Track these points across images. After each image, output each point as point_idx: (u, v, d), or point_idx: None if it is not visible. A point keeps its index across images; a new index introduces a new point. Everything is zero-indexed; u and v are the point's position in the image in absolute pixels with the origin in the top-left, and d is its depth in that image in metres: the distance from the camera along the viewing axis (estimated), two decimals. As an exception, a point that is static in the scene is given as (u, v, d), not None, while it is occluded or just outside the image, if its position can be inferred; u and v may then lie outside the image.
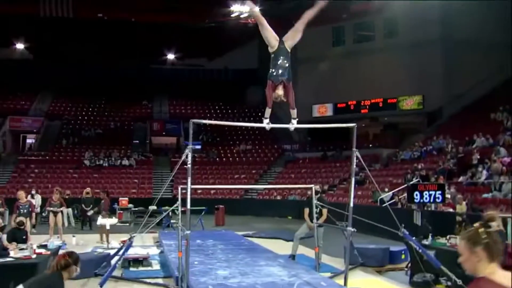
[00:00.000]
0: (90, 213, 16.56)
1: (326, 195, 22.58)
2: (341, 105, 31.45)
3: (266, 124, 6.37)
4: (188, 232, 6.71)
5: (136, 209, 18.78)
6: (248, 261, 9.41)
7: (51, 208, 13.29)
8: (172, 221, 15.53)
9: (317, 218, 9.51)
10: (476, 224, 2.43)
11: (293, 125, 6.38)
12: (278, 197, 26.10)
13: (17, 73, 34.77)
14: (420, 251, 7.32)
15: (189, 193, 6.71)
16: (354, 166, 7.47)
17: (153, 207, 16.02)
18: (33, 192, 18.65)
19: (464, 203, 13.35)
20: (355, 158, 7.31)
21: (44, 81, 35.63)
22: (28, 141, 34.60)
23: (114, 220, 13.61)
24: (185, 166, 6.76)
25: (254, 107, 35.95)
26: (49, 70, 35.67)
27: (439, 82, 27.54)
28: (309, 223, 9.93)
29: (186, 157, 6.66)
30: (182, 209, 7.57)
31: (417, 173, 19.30)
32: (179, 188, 8.46)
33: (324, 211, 9.86)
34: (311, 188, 9.81)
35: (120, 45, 34.85)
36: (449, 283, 7.44)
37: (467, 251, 2.35)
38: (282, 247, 11.92)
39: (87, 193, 17.71)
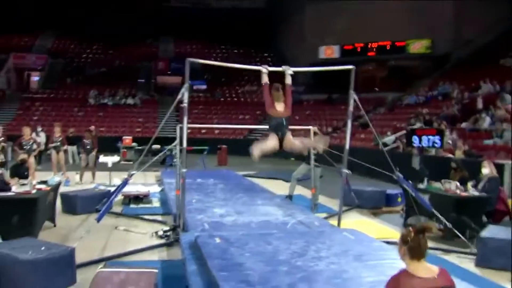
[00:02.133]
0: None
1: (329, 137, 22.74)
2: (348, 47, 30.97)
3: (263, 69, 6.30)
4: (185, 170, 6.78)
5: (140, 147, 18.93)
6: (245, 200, 9.57)
7: (53, 145, 13.46)
8: (174, 160, 15.69)
9: (315, 160, 9.57)
10: (411, 228, 2.91)
11: (289, 71, 6.27)
12: (282, 139, 26.15)
13: (19, 9, 34.24)
14: (413, 194, 7.40)
15: (185, 132, 6.74)
16: (351, 109, 7.42)
17: (156, 146, 16.33)
18: (39, 129, 18.85)
19: (463, 148, 13.37)
20: (352, 100, 7.27)
21: (47, 18, 35.12)
22: (33, 79, 34.51)
23: (116, 158, 13.77)
24: (181, 105, 6.75)
25: (260, 48, 35.57)
26: (52, 7, 35.06)
27: (449, 26, 26.92)
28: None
29: (182, 96, 6.64)
30: (181, 148, 7.61)
31: (421, 117, 19.21)
32: (177, 127, 8.47)
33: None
34: (311, 129, 9.78)
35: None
36: (441, 226, 7.57)
37: (399, 245, 2.93)
38: (281, 188, 12.08)
39: (91, 131, 17.82)
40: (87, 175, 13.48)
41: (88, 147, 13.68)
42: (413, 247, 2.83)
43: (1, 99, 29.46)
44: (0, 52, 33.00)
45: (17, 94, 30.81)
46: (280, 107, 6.01)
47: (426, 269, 2.84)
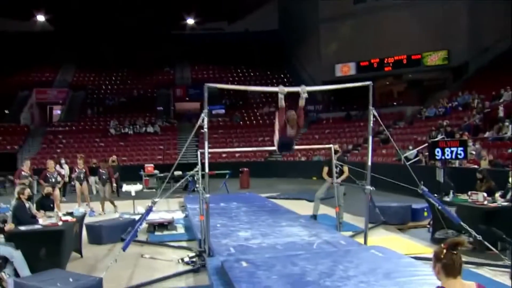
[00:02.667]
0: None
1: (350, 155, 22.61)
2: (364, 63, 30.92)
3: (280, 91, 6.40)
4: (208, 195, 6.79)
5: (162, 175, 19.03)
6: (270, 222, 9.53)
7: (76, 176, 13.57)
8: (196, 185, 15.72)
9: (337, 178, 9.51)
10: (443, 245, 2.82)
11: (304, 94, 6.38)
12: (303, 158, 26.13)
13: (39, 46, 35.12)
14: (440, 207, 7.28)
15: (206, 156, 6.77)
16: (371, 125, 7.39)
17: (178, 173, 16.39)
18: (62, 161, 19.17)
19: (488, 158, 13.15)
20: (372, 116, 7.24)
21: (65, 53, 35.98)
22: (55, 112, 35.17)
23: (139, 187, 13.84)
24: (201, 131, 6.80)
25: (277, 69, 35.75)
26: (70, 42, 35.93)
27: (464, 36, 26.74)
28: (328, 179, 9.97)
29: (202, 121, 6.69)
30: (202, 173, 7.65)
31: (442, 129, 19.01)
32: (198, 152, 8.51)
33: (345, 168, 9.86)
34: (331, 148, 9.76)
35: (141, 12, 34.72)
36: (470, 239, 7.42)
37: (433, 263, 2.83)
38: (305, 208, 12.00)
39: (113, 161, 18.06)
40: (108, 205, 13.55)
41: (104, 177, 13.47)
42: (447, 264, 2.74)
43: (26, 134, 30.01)
44: (23, 88, 33.86)
45: (40, 128, 31.40)
46: (291, 131, 6.07)
47: (463, 286, 2.76)
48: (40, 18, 35.71)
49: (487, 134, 16.96)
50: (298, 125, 6.16)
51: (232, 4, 34.73)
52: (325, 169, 10.02)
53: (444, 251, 2.77)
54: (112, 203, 13.34)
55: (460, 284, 2.76)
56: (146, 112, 33.04)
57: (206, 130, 6.70)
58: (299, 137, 26.33)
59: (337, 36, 30.46)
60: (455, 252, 2.76)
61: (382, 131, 21.99)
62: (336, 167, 9.48)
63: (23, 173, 12.99)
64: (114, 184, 13.83)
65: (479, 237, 6.89)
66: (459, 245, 2.78)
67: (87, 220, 9.64)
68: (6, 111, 31.94)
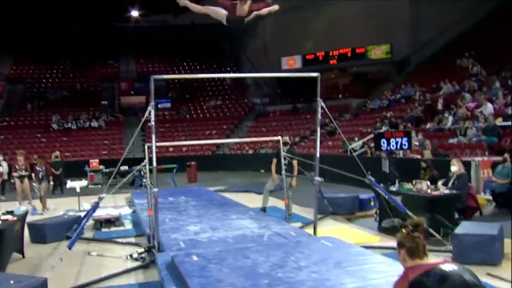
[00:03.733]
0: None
1: (297, 147, 22.83)
2: (310, 56, 31.36)
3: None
4: (156, 189, 6.65)
5: (108, 170, 18.64)
6: (219, 215, 9.46)
7: (17, 174, 12.91)
8: (143, 180, 15.45)
9: (286, 170, 9.53)
10: (404, 229, 2.76)
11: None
12: (250, 151, 26.21)
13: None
14: (386, 197, 7.45)
15: (154, 150, 6.61)
16: (320, 117, 7.46)
17: (124, 167, 16.04)
18: (0, 158, 18.35)
19: (431, 148, 13.63)
20: (320, 108, 7.30)
21: (2, 43, 34.28)
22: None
23: (84, 183, 13.42)
24: (148, 124, 6.65)
25: (223, 61, 35.60)
26: (6, 33, 34.24)
27: (406, 30, 27.60)
28: (274, 175, 9.98)
29: (149, 114, 6.54)
30: (150, 167, 7.49)
31: (386, 121, 19.52)
32: (145, 146, 8.33)
33: (294, 162, 9.83)
34: (279, 140, 9.75)
35: (84, 3, 33.54)
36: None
37: (397, 252, 2.76)
38: (254, 201, 11.99)
39: (56, 156, 17.48)
40: (51, 201, 13.06)
41: (41, 174, 12.66)
42: (410, 248, 2.66)
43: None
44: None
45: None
46: (241, 11, 5.55)
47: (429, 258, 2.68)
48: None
49: (428, 125, 17.54)
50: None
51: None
52: (274, 160, 10.00)
53: (406, 235, 2.71)
54: (43, 202, 12.70)
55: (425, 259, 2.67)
56: (90, 106, 32.14)
57: (153, 123, 6.55)
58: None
59: (282, 29, 30.61)
60: (416, 235, 2.69)
61: (328, 123, 22.35)
62: (285, 159, 9.48)
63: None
64: (52, 182, 13.29)
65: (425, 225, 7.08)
66: (419, 226, 2.72)
67: (30, 218, 9.25)
68: None
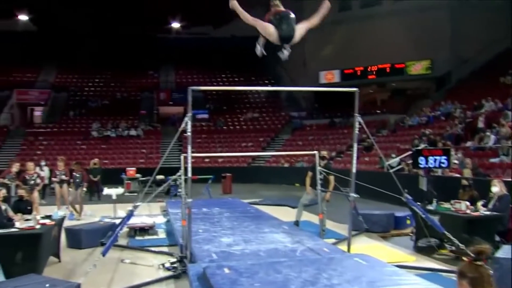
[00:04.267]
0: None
1: (333, 162, 22.62)
2: (348, 71, 31.10)
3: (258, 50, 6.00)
4: (190, 200, 6.68)
5: (144, 179, 18.87)
6: (252, 228, 9.43)
7: (56, 179, 13.26)
8: (178, 190, 15.57)
9: (322, 185, 9.44)
10: (466, 258, 2.48)
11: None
12: (286, 165, 26.11)
13: (21, 45, 34.49)
14: (423, 216, 7.27)
15: (189, 161, 6.66)
16: (357, 132, 7.37)
17: (160, 177, 16.21)
18: (43, 163, 18.90)
19: (471, 167, 13.28)
20: (357, 123, 7.22)
21: (48, 53, 35.39)
22: (36, 113, 34.64)
23: (120, 190, 13.65)
24: (185, 135, 6.71)
25: (261, 74, 35.75)
26: (53, 42, 35.35)
27: (447, 46, 27.06)
28: (307, 188, 9.90)
29: (186, 125, 6.59)
30: (185, 178, 7.53)
31: (425, 138, 19.15)
32: (182, 157, 8.40)
33: (331, 178, 9.75)
34: (316, 155, 9.67)
35: (125, 15, 34.37)
36: (453, 248, 7.42)
37: (458, 284, 2.48)
38: (288, 214, 11.94)
39: (95, 163, 17.86)
40: (88, 207, 13.30)
41: (77, 180, 13.04)
42: (474, 278, 2.38)
43: (5, 135, 29.48)
44: (3, 88, 33.16)
45: (20, 129, 30.83)
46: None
47: None
48: (23, 17, 35.03)
49: (468, 144, 17.12)
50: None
51: (218, 9, 34.55)
52: (309, 174, 9.93)
53: (469, 264, 2.44)
54: (74, 208, 13.00)
55: None
56: (129, 115, 32.76)
57: (189, 134, 6.61)
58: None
59: (322, 43, 30.53)
60: (480, 264, 2.41)
61: (365, 139, 22.07)
62: (320, 173, 9.39)
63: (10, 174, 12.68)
64: (85, 189, 13.61)
65: (462, 246, 6.88)
66: (483, 253, 2.43)
67: (67, 223, 9.45)
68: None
